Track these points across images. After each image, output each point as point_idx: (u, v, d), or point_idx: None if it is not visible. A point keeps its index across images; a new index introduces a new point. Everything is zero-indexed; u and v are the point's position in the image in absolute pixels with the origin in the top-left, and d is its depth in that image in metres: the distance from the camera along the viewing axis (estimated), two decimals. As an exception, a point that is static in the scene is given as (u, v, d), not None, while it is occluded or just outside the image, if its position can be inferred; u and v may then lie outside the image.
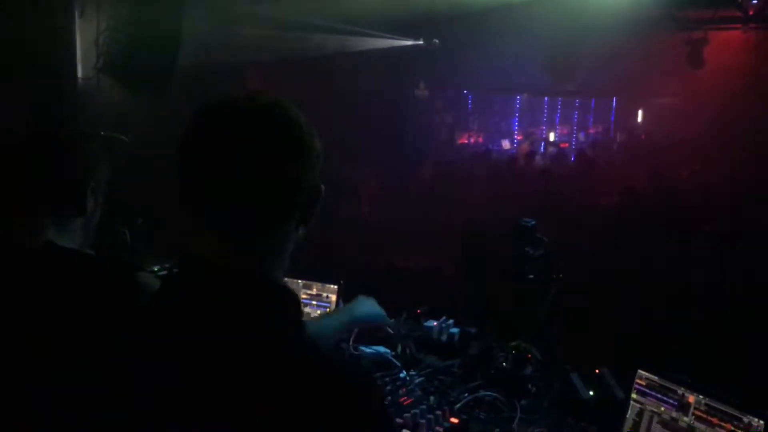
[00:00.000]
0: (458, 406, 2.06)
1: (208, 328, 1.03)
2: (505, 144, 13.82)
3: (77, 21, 5.29)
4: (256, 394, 0.98)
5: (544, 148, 13.00)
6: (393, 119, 9.66)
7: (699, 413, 1.78)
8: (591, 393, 2.17)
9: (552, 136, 14.50)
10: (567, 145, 13.99)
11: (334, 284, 2.60)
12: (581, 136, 14.51)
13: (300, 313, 1.12)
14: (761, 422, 1.64)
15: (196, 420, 1.00)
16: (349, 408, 0.99)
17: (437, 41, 9.66)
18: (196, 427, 0.99)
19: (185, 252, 1.10)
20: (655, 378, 1.90)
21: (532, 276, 2.40)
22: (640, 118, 14.13)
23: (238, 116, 1.08)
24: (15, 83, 4.12)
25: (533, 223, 2.42)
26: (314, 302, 2.60)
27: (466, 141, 13.57)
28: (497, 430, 1.98)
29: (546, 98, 14.52)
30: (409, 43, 9.65)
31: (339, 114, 7.96)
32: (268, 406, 0.97)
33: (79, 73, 5.30)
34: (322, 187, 1.14)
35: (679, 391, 1.83)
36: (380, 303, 2.68)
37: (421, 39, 9.69)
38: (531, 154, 10.28)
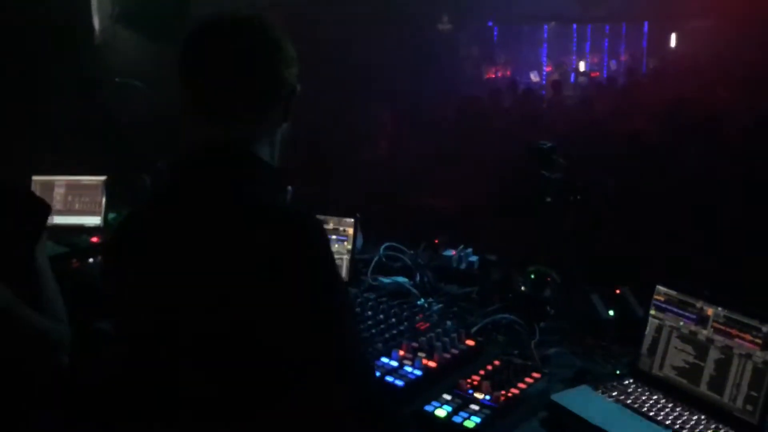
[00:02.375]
0: (475, 329, 2.06)
1: (206, 190, 1.27)
2: (534, 76, 13.50)
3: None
4: (225, 238, 1.21)
5: (574, 78, 12.68)
6: (416, 56, 9.49)
7: (718, 326, 1.75)
8: (611, 313, 2.15)
9: (582, 66, 14.11)
10: (598, 74, 13.62)
11: (350, 218, 2.59)
12: (612, 65, 14.09)
13: (280, 182, 1.39)
14: (780, 330, 1.61)
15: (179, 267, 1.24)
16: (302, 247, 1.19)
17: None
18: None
19: (189, 144, 1.32)
20: (674, 293, 1.87)
21: (549, 199, 2.36)
22: (673, 43, 13.65)
23: (226, 27, 1.32)
24: (30, 36, 4.13)
25: (550, 145, 2.37)
26: (333, 236, 2.60)
27: (494, 75, 13.29)
28: (515, 351, 1.98)
29: (575, 26, 14.07)
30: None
31: (362, 53, 7.84)
32: (232, 249, 1.19)
33: (96, 25, 5.30)
34: (299, 87, 1.38)
35: (698, 305, 1.80)
36: (400, 238, 2.70)
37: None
38: (557, 84, 10.03)
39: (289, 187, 2.54)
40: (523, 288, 2.28)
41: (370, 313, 2.10)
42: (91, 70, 4.07)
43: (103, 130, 3.80)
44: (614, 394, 1.81)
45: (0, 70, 3.73)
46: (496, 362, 1.85)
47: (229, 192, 1.25)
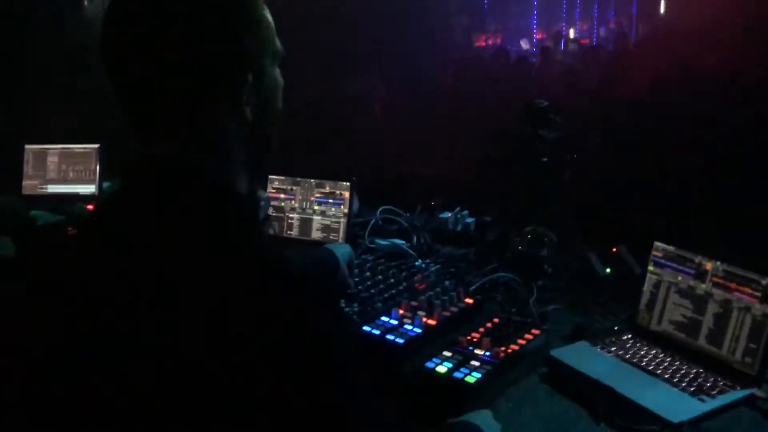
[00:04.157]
0: (473, 287, 2.06)
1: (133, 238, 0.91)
2: (524, 44, 13.41)
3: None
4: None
5: (564, 45, 12.60)
6: (406, 24, 9.38)
7: (716, 280, 1.76)
8: (608, 270, 2.16)
9: (572, 33, 14.03)
10: (587, 41, 13.54)
11: (347, 181, 2.57)
12: (602, 31, 14.01)
13: (248, 215, 1.01)
14: (779, 282, 1.62)
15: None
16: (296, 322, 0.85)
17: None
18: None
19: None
20: (672, 248, 1.87)
21: (545, 159, 2.35)
22: (662, 9, 13.56)
23: None
24: (16, 7, 4.07)
25: (546, 103, 2.35)
26: (330, 200, 2.59)
27: (484, 44, 13.19)
28: (514, 309, 1.98)
29: (565, -7, 13.97)
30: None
31: (349, 21, 7.74)
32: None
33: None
34: (249, 77, 0.98)
35: (696, 260, 1.81)
36: (396, 202, 2.69)
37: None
38: (546, 50, 9.97)
39: (263, 195, 2.51)
40: (520, 247, 2.29)
41: (368, 273, 2.10)
42: (80, 38, 4.01)
43: (94, 97, 3.74)
44: (613, 349, 1.82)
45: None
46: (495, 320, 1.86)
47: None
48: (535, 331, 1.80)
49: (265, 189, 2.59)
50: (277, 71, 1.07)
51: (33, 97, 3.55)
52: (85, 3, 5.12)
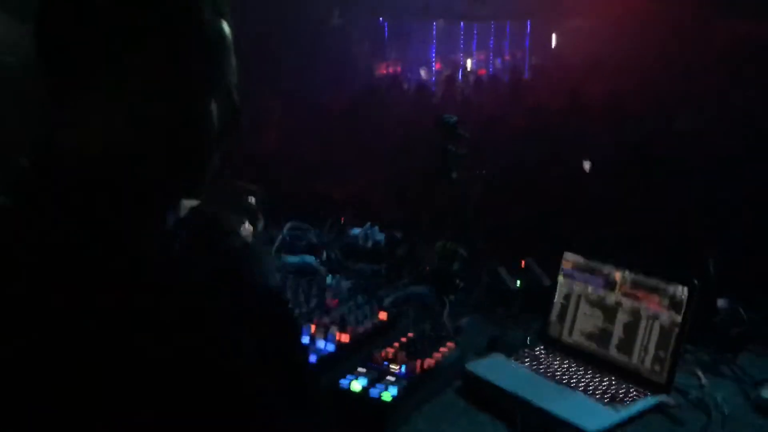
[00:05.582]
0: (387, 302, 2.02)
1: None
2: (424, 73, 13.71)
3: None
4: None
5: (462, 76, 12.97)
6: (308, 49, 9.38)
7: (625, 289, 1.79)
8: (518, 283, 2.16)
9: (470, 63, 14.48)
10: (484, 71, 14.01)
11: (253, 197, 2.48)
12: (498, 63, 14.55)
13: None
14: (685, 289, 1.66)
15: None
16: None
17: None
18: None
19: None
20: (581, 259, 1.90)
21: (455, 174, 2.35)
22: (554, 42, 14.24)
23: None
24: None
25: (455, 119, 2.36)
26: (233, 216, 2.47)
27: (384, 71, 13.37)
28: (428, 323, 1.94)
29: (462, 24, 14.41)
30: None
31: (250, 46, 7.63)
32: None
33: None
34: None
35: (605, 270, 1.84)
36: (307, 221, 2.62)
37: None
38: (450, 80, 10.24)
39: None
40: (431, 263, 2.26)
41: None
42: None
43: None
44: (527, 360, 1.82)
45: None
46: (410, 334, 1.81)
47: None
48: (450, 345, 1.77)
49: None
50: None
51: None
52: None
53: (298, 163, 5.75)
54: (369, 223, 2.57)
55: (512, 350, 1.85)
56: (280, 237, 2.49)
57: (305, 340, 1.73)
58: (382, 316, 1.89)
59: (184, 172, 0.93)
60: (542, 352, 1.87)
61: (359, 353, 1.71)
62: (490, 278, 2.20)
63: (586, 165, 4.30)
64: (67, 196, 0.84)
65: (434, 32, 14.35)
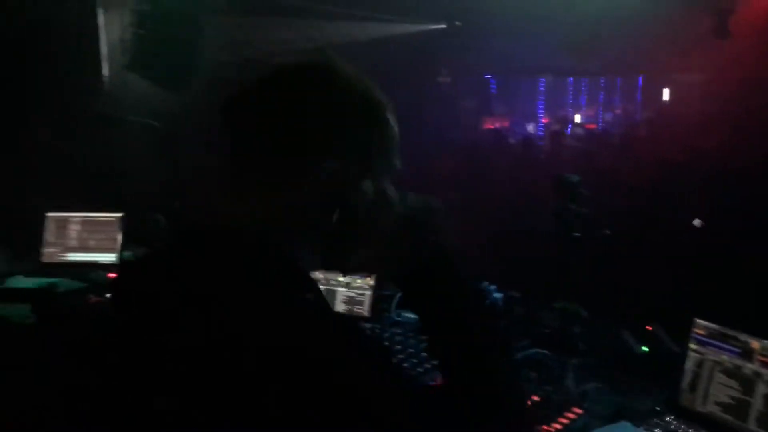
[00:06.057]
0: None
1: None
2: (531, 128, 13.66)
3: (102, 17, 5.33)
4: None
5: (570, 130, 12.81)
6: (416, 108, 9.59)
7: (764, 359, 1.70)
8: (644, 348, 2.10)
9: (578, 118, 14.29)
10: (594, 126, 13.77)
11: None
12: (608, 117, 14.28)
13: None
14: (833, 361, 1.57)
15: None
16: None
17: (459, 23, 9.59)
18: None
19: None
20: (715, 326, 1.82)
21: (577, 234, 2.33)
22: (666, 96, 13.86)
23: (281, 76, 1.00)
24: (41, 81, 4.15)
25: (577, 178, 2.35)
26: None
27: (491, 126, 13.43)
28: (549, 387, 1.92)
29: (570, 79, 14.32)
30: (432, 27, 9.59)
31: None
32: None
33: (105, 71, 5.33)
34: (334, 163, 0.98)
35: (741, 338, 1.76)
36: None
37: (443, 23, 9.64)
38: (556, 135, 10.13)
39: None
40: (551, 324, 2.23)
41: (399, 347, 2.04)
42: (104, 108, 4.08)
43: (117, 168, 3.79)
44: (656, 431, 1.75)
45: (9, 110, 3.72)
46: (535, 398, 1.79)
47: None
48: (578, 410, 1.74)
49: None
50: (388, 187, 1.04)
51: (56, 166, 3.58)
52: (105, 78, 5.24)
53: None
54: (487, 282, 2.57)
55: (640, 419, 1.79)
56: (399, 294, 2.53)
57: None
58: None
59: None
60: (673, 421, 1.79)
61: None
62: (613, 342, 2.15)
63: (697, 222, 4.14)
64: (217, 249, 0.95)
65: (541, 87, 14.33)
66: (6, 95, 3.72)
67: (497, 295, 2.55)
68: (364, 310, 2.47)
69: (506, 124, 13.56)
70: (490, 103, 13.82)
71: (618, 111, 14.46)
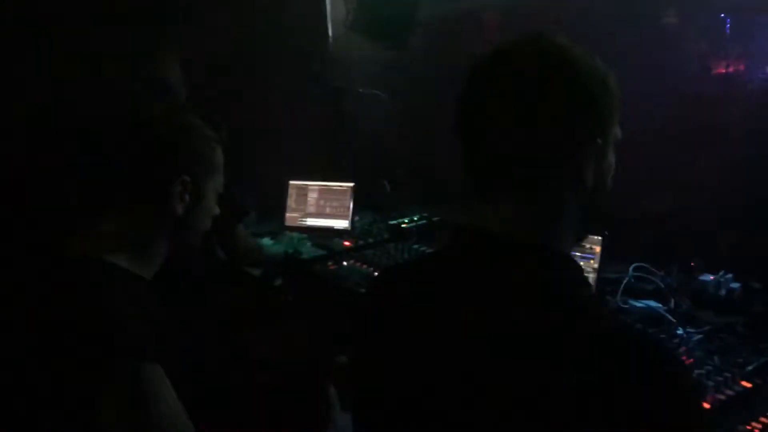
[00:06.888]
0: (750, 368, 1.90)
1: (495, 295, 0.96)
2: (772, 71, 12.21)
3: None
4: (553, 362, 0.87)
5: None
6: (638, 53, 8.97)
7: None
8: None
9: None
10: None
11: (598, 236, 2.51)
12: None
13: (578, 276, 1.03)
14: None
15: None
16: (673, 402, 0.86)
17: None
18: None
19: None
20: None
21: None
22: None
23: (511, 67, 1.00)
24: (271, 48, 4.45)
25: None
26: (577, 253, 2.54)
27: (723, 71, 12.20)
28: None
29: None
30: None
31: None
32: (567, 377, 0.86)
33: (330, 32, 5.60)
34: (599, 140, 1.01)
35: None
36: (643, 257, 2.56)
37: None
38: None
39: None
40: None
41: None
42: (335, 81, 4.31)
43: (348, 138, 4.04)
44: None
45: (252, 84, 4.04)
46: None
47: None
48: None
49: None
50: (612, 155, 1.08)
51: (296, 136, 3.88)
52: (330, 41, 5.51)
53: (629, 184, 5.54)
54: (724, 271, 2.43)
55: None
56: (625, 279, 2.48)
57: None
58: (746, 384, 1.80)
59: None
60: None
61: (719, 426, 1.65)
62: None
63: None
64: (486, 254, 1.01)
65: (787, 25, 12.66)
66: (254, 86, 4.01)
67: (734, 285, 2.41)
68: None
69: (741, 67, 12.24)
70: (724, 44, 12.55)
71: None
